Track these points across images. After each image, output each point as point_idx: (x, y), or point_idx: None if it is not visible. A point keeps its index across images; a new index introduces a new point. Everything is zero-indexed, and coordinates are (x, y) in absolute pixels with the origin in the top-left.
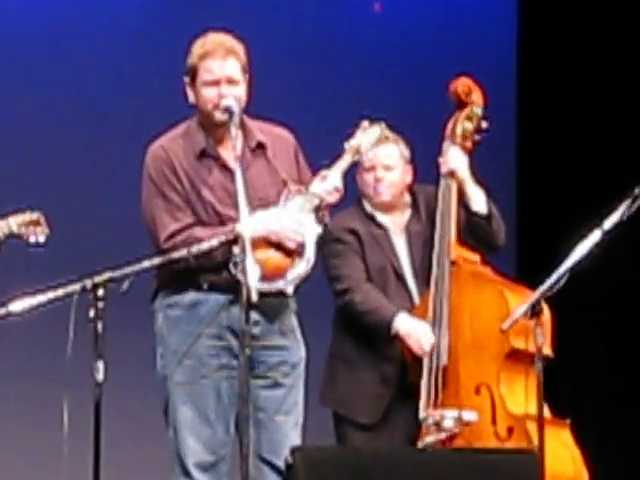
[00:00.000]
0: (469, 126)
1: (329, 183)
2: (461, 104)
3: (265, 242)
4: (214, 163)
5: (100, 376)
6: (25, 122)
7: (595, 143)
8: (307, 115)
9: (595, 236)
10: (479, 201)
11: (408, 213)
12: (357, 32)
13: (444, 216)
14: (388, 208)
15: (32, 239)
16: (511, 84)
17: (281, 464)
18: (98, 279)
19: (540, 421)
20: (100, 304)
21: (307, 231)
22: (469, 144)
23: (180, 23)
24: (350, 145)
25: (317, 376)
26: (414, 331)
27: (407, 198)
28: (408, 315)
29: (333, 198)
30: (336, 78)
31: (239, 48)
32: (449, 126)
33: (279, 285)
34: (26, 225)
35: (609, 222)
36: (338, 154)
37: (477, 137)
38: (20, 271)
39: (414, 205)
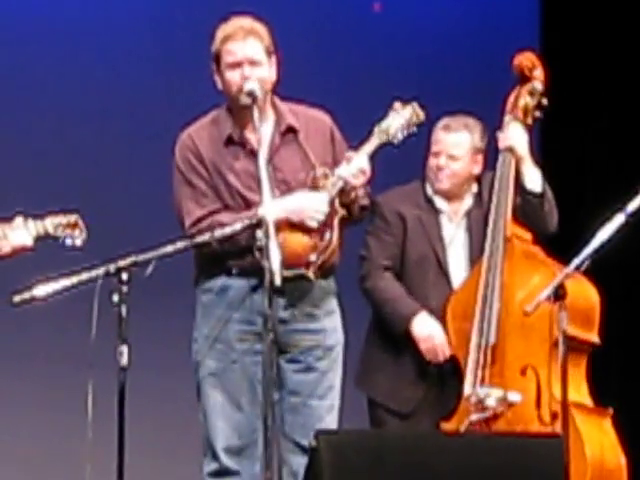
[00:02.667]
0: (531, 101)
1: (354, 165)
2: (524, 79)
3: (288, 225)
4: (241, 149)
5: (124, 360)
6: (53, 111)
7: (620, 126)
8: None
9: (618, 219)
10: (534, 179)
11: (470, 201)
12: (357, 32)
13: (501, 191)
14: (448, 195)
15: (68, 242)
16: None
17: None
18: (122, 263)
19: (564, 405)
20: (124, 288)
21: (330, 213)
22: (529, 120)
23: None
24: (379, 127)
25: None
26: (429, 338)
27: (474, 188)
28: (427, 316)
29: (358, 180)
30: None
31: (260, 29)
32: (510, 100)
33: (298, 271)
34: (63, 227)
35: (632, 205)
36: (366, 136)
37: (537, 114)
38: (45, 256)
39: (479, 194)
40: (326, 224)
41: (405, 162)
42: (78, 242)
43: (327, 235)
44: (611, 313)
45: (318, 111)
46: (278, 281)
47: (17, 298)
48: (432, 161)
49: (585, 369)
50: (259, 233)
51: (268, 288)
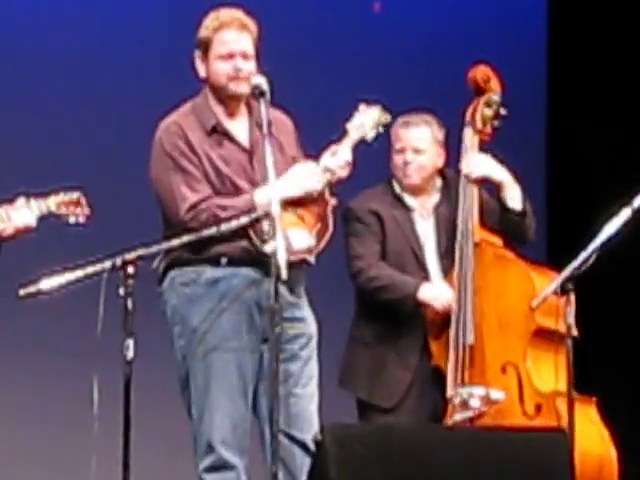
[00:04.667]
0: (489, 112)
1: (340, 157)
2: (479, 91)
3: (290, 206)
4: (225, 138)
5: (130, 354)
6: (56, 97)
7: (626, 124)
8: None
9: (624, 215)
10: (514, 198)
11: (437, 196)
12: (357, 32)
13: (466, 198)
14: (417, 191)
15: (72, 219)
16: (541, 67)
17: (300, 436)
18: (128, 257)
19: (570, 399)
20: (130, 281)
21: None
22: (488, 129)
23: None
24: (352, 124)
25: (330, 355)
26: (439, 295)
27: (438, 182)
28: (429, 284)
29: (345, 172)
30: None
31: (252, 25)
32: (469, 112)
33: (303, 255)
34: (66, 205)
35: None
36: (340, 135)
37: (496, 123)
38: (50, 249)
39: (445, 189)
40: (319, 214)
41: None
42: (81, 219)
43: (323, 223)
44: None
45: (282, 113)
46: (285, 275)
47: (23, 292)
48: (398, 159)
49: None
50: (266, 226)
51: (274, 281)
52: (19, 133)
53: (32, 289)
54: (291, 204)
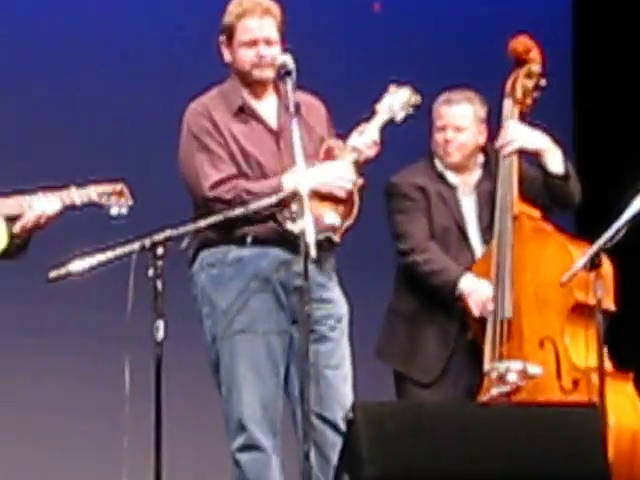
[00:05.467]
0: (529, 83)
1: (368, 137)
2: (520, 62)
3: (316, 195)
4: (253, 119)
5: (160, 335)
6: (94, 89)
7: None
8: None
9: None
10: (556, 162)
11: (479, 173)
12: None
13: (505, 171)
14: (458, 168)
15: (114, 210)
16: (567, 42)
17: (333, 417)
18: (157, 238)
19: (601, 373)
20: (159, 262)
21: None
22: (529, 101)
23: None
24: (381, 105)
25: (362, 331)
26: (475, 291)
27: (480, 158)
28: (473, 276)
29: (372, 152)
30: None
31: (275, 8)
32: (508, 84)
33: (327, 233)
34: (108, 195)
35: None
36: (370, 115)
37: (536, 95)
38: (80, 231)
39: (486, 165)
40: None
41: (402, 147)
42: (124, 210)
43: (349, 203)
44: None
45: (314, 97)
46: (314, 254)
47: (53, 274)
48: (438, 136)
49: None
50: (294, 205)
51: (303, 260)
52: (55, 124)
53: (62, 271)
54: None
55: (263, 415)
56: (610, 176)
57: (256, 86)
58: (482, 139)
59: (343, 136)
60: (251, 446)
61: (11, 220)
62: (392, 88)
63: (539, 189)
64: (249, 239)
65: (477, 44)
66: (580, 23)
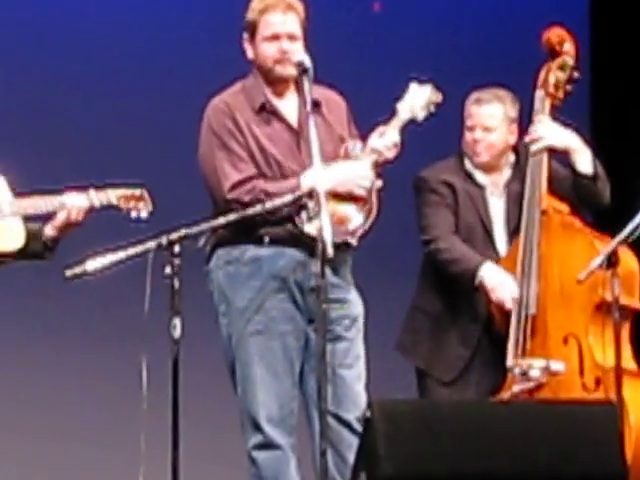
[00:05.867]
0: (562, 76)
1: (388, 139)
2: (554, 54)
3: (333, 195)
4: (274, 117)
5: (177, 333)
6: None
7: None
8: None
9: None
10: (585, 162)
11: (509, 173)
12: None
13: (535, 165)
14: (487, 168)
15: (133, 214)
16: (584, 33)
17: (347, 417)
18: (174, 236)
19: (618, 372)
20: (176, 261)
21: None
22: (561, 94)
23: None
24: (402, 104)
25: (376, 330)
26: (499, 286)
27: (510, 158)
28: (494, 265)
29: (392, 153)
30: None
31: (298, 5)
32: (541, 76)
33: (344, 237)
34: (127, 199)
35: None
36: (390, 115)
37: (569, 87)
38: (96, 229)
39: (517, 165)
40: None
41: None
42: (144, 214)
43: (367, 205)
44: None
45: (334, 92)
46: (331, 252)
47: (70, 272)
48: (468, 136)
49: (628, 334)
50: (311, 204)
51: (320, 258)
52: (72, 124)
53: (78, 270)
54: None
55: (279, 414)
56: (630, 173)
57: (278, 84)
58: (513, 139)
59: (363, 137)
60: (267, 444)
61: (31, 220)
62: (413, 86)
63: (568, 189)
64: (267, 239)
65: (489, 39)
66: (597, 15)
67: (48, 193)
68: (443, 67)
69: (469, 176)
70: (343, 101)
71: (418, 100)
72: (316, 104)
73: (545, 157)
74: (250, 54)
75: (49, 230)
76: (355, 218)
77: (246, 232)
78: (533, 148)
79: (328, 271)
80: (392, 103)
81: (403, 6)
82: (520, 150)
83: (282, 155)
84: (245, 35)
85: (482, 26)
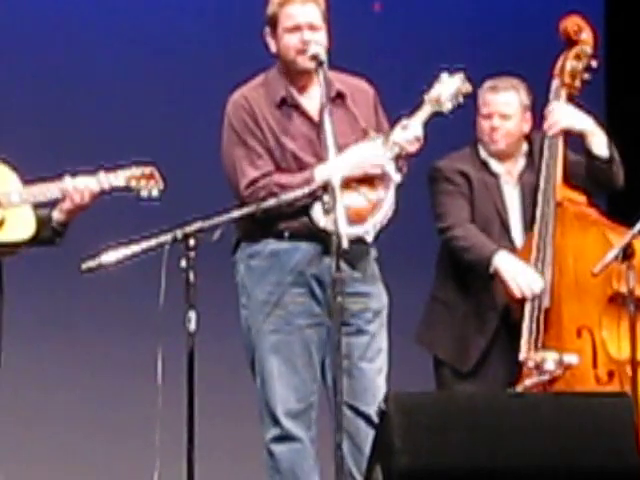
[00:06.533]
0: (578, 65)
1: (410, 132)
2: (571, 42)
3: (349, 184)
4: (294, 111)
5: (192, 326)
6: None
7: None
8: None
9: None
10: (600, 145)
11: (523, 162)
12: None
13: (550, 157)
14: (503, 156)
15: (144, 193)
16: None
17: (366, 410)
18: (189, 229)
19: (634, 365)
20: (191, 254)
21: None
22: (578, 83)
23: None
24: (429, 96)
25: (400, 322)
26: (516, 275)
27: (524, 147)
28: (509, 253)
29: (414, 147)
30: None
31: None
32: (558, 64)
33: (358, 231)
34: (137, 179)
35: None
36: (416, 106)
37: (586, 76)
38: (112, 222)
39: (530, 154)
40: (382, 187)
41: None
42: (155, 193)
43: (383, 200)
44: None
45: (362, 80)
46: (346, 244)
47: (84, 266)
48: (484, 124)
49: None
50: (325, 197)
51: (335, 251)
52: (89, 109)
53: (93, 263)
54: (354, 181)
55: (297, 408)
56: None
57: (300, 77)
58: (527, 127)
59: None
60: (285, 437)
61: (41, 207)
62: (443, 76)
63: (581, 173)
64: (286, 233)
65: (489, 38)
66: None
67: (55, 178)
68: (443, 67)
69: (484, 165)
70: (371, 90)
71: (446, 91)
72: (341, 95)
73: (560, 148)
74: (273, 47)
75: (57, 214)
76: (371, 213)
77: (267, 226)
78: (550, 132)
79: (346, 265)
80: (391, 104)
81: (403, 6)
82: (533, 139)
83: (301, 150)
84: (267, 29)
85: (486, 25)
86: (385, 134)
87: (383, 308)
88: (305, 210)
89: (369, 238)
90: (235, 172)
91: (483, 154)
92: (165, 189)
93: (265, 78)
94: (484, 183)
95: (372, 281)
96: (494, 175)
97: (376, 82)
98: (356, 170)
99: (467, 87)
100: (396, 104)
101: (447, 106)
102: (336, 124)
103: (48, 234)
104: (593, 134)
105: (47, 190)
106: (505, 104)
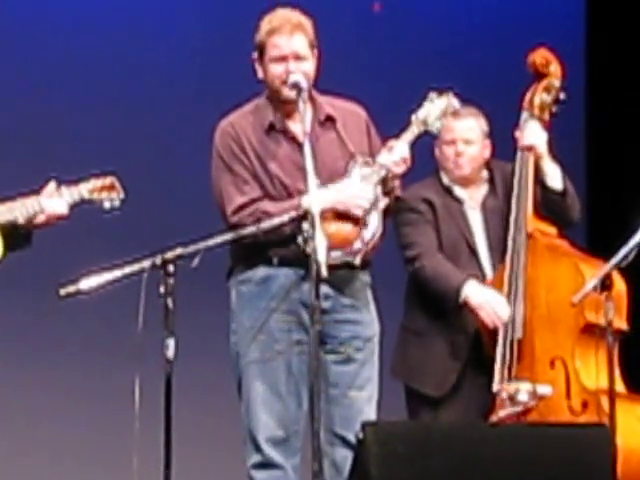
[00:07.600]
0: (547, 98)
1: (396, 154)
2: (539, 75)
3: (332, 214)
4: (282, 137)
5: (170, 353)
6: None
7: None
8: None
9: None
10: (555, 177)
11: (485, 188)
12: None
13: (521, 188)
14: (466, 182)
15: (107, 204)
16: (580, 53)
17: (353, 439)
18: (168, 255)
19: (611, 395)
20: (170, 280)
21: (373, 201)
22: (546, 116)
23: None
24: (417, 117)
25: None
26: (487, 303)
27: (484, 173)
28: (477, 283)
29: (400, 169)
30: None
31: (306, 23)
32: (527, 97)
33: (345, 257)
34: (98, 191)
35: None
36: (404, 126)
37: (554, 109)
38: (89, 247)
39: (491, 181)
40: (370, 213)
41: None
42: (116, 203)
43: (371, 224)
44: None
45: (354, 104)
46: (324, 273)
47: (63, 291)
48: (448, 150)
49: (616, 356)
50: (305, 224)
51: (314, 279)
52: (52, 120)
53: (72, 289)
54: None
55: (280, 435)
56: (624, 192)
57: (287, 104)
58: (487, 153)
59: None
60: (266, 464)
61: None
62: (432, 95)
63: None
64: (275, 260)
65: (490, 38)
66: (593, 27)
67: (23, 195)
68: (443, 67)
69: (448, 191)
70: (363, 113)
71: (434, 110)
72: (331, 119)
73: (531, 179)
74: (260, 74)
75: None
76: (358, 238)
77: (258, 253)
78: (520, 144)
79: (335, 291)
80: (392, 103)
81: (403, 6)
82: (493, 167)
83: (289, 176)
84: (254, 55)
85: (482, 27)
86: (372, 157)
87: (374, 336)
88: (294, 237)
89: (356, 261)
90: (222, 199)
91: (446, 180)
92: (125, 199)
93: (255, 105)
94: (448, 208)
95: (363, 308)
96: (458, 200)
97: (376, 82)
98: (339, 206)
99: (455, 105)
100: (396, 104)
101: (436, 125)
102: (325, 148)
103: (17, 245)
104: (550, 164)
105: (19, 209)
106: (468, 130)
